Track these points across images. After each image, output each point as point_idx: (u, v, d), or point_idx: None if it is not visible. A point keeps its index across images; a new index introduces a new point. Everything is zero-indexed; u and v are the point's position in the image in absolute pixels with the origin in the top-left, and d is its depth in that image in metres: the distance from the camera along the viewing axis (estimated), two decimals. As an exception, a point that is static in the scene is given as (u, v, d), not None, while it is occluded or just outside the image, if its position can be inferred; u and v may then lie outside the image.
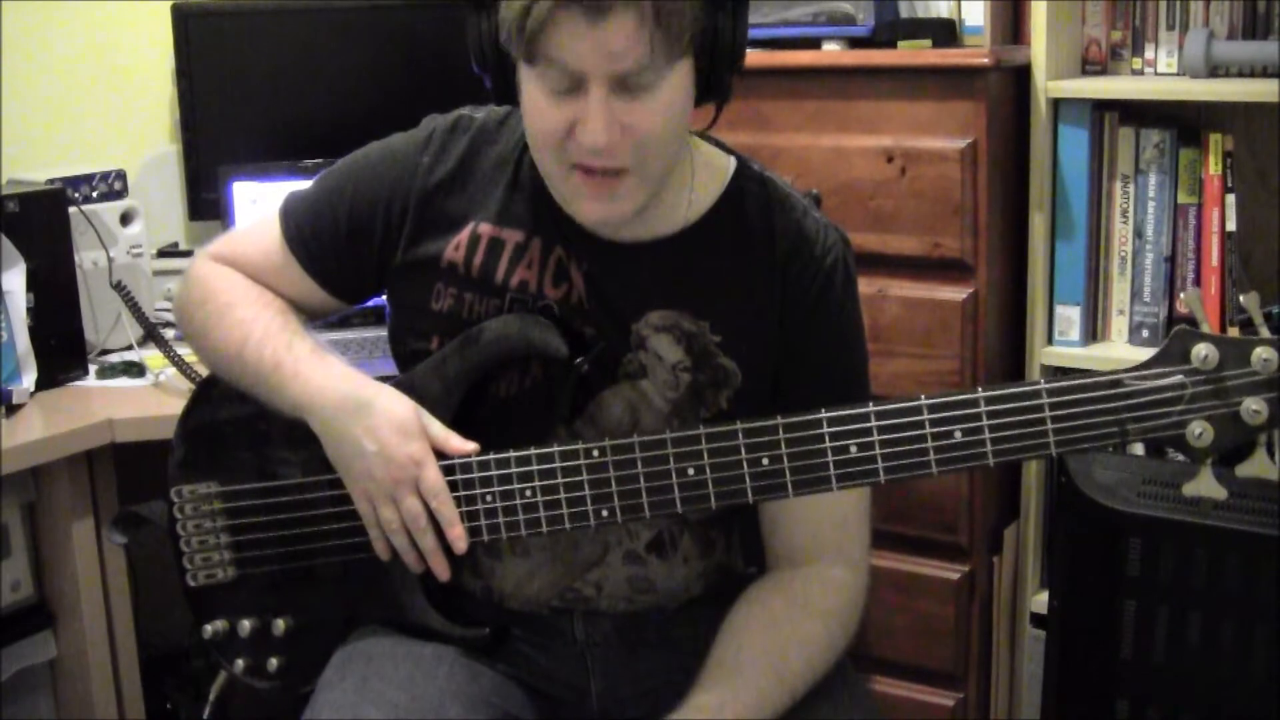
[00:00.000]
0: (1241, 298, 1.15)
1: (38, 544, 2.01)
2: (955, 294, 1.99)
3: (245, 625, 1.45)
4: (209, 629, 1.47)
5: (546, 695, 1.42)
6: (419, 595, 1.40)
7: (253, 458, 1.44)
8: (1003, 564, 2.10)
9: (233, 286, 1.46)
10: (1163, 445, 1.17)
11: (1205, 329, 1.16)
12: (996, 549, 2.11)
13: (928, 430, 1.20)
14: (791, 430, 1.23)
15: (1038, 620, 2.06)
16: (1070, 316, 2.03)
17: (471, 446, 1.32)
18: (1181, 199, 1.98)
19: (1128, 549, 1.83)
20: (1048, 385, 1.18)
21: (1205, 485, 1.18)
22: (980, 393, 1.19)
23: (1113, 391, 1.16)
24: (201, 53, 2.40)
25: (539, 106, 1.23)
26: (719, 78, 1.27)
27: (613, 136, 1.20)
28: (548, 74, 1.20)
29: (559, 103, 1.21)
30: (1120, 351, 2.01)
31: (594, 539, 1.38)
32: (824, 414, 1.23)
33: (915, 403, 1.21)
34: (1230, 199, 1.94)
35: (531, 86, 1.23)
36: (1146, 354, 1.14)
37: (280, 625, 1.45)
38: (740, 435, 1.25)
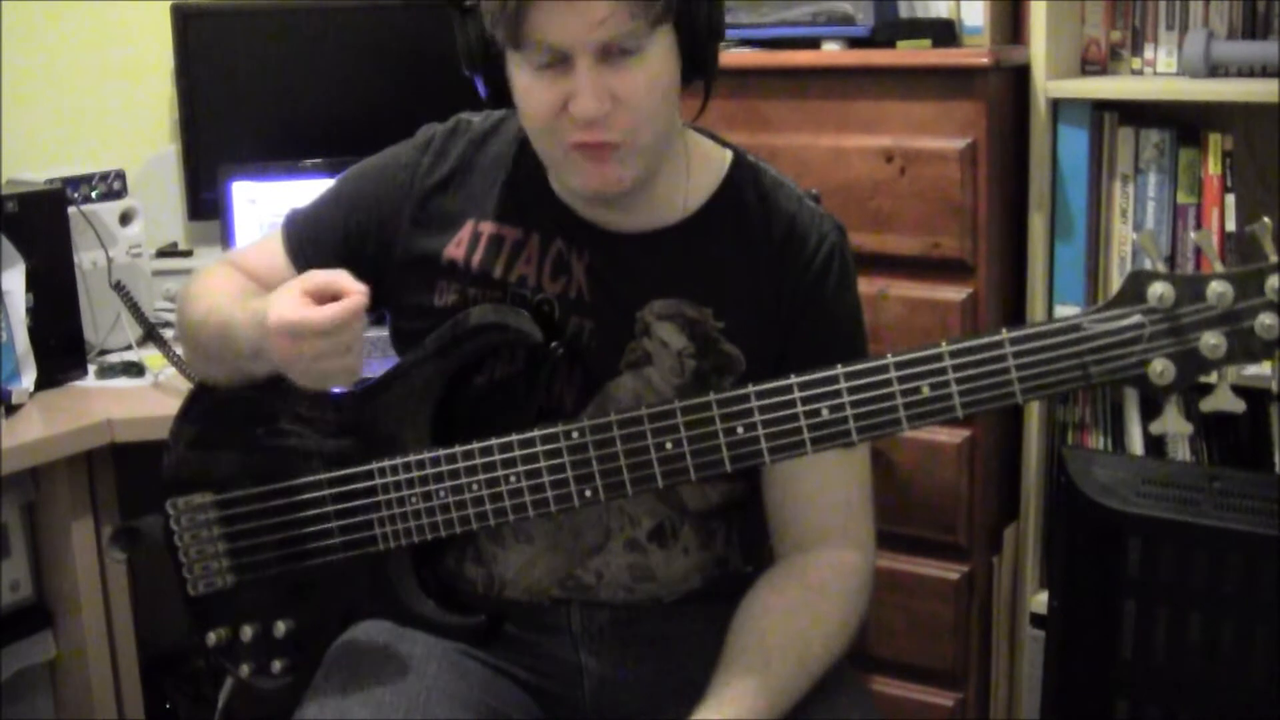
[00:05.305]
0: (1252, 226, 1.16)
1: (37, 544, 2.02)
2: (955, 294, 1.99)
3: (247, 630, 1.47)
4: (212, 637, 1.48)
5: (541, 692, 1.43)
6: (414, 585, 1.41)
7: (244, 463, 1.45)
8: (1002, 564, 2.10)
9: (220, 274, 1.49)
10: (1127, 385, 1.19)
11: (1217, 269, 1.16)
12: (996, 549, 2.11)
13: (896, 388, 1.22)
14: (764, 398, 1.25)
15: (1037, 620, 2.06)
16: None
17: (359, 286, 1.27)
18: (1181, 199, 1.98)
19: (1127, 549, 1.83)
20: (1010, 334, 1.19)
21: (1172, 422, 1.19)
22: (945, 346, 1.21)
23: (1073, 335, 1.18)
24: (201, 53, 2.40)
25: (530, 90, 1.26)
26: (700, 49, 1.30)
27: (603, 105, 1.23)
28: (535, 55, 1.23)
29: (549, 82, 1.24)
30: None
31: (596, 526, 1.39)
32: (794, 379, 1.25)
33: (882, 361, 1.22)
34: (1230, 199, 1.94)
35: (521, 73, 1.27)
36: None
37: (281, 627, 1.46)
38: (714, 406, 1.27)
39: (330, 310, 1.24)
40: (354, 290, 1.25)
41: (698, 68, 1.31)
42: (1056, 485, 1.93)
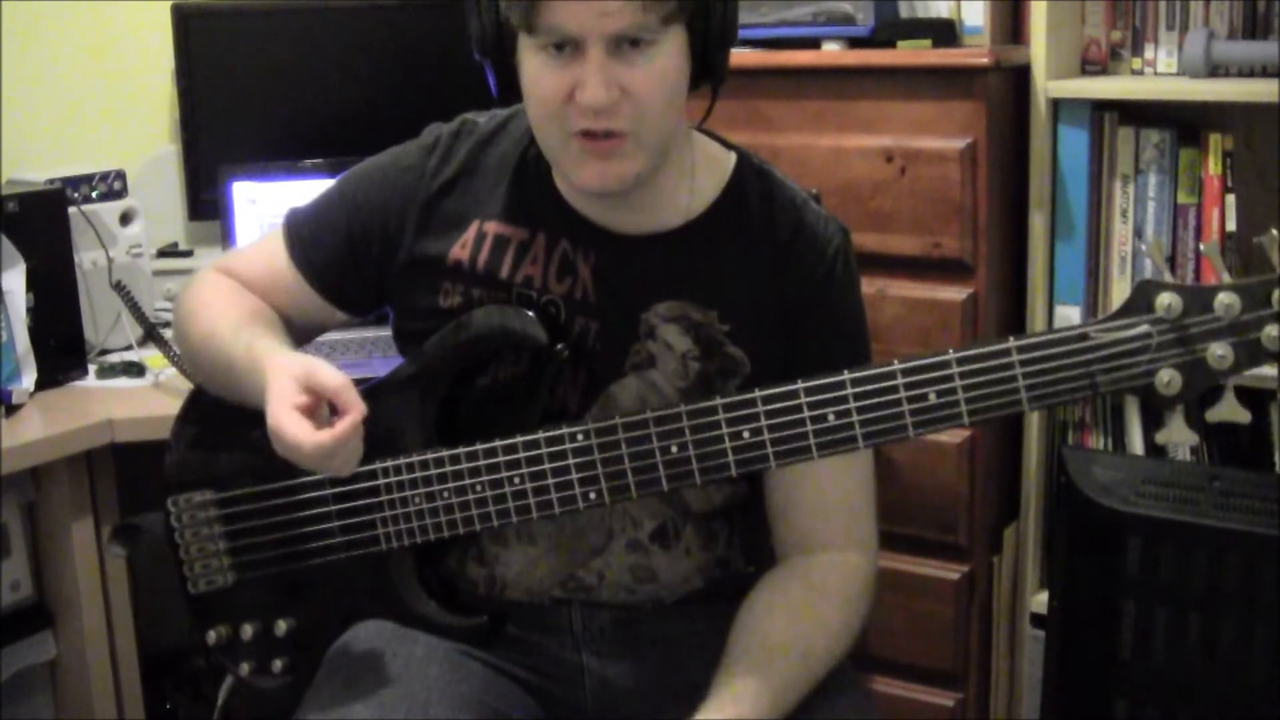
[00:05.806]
0: (1260, 238, 1.16)
1: (37, 544, 2.02)
2: (955, 294, 1.99)
3: (248, 629, 1.47)
4: (212, 635, 1.48)
5: (542, 692, 1.43)
6: (416, 586, 1.41)
7: (245, 462, 1.45)
8: (1002, 564, 2.10)
9: (217, 288, 1.48)
10: (1133, 395, 1.19)
11: (1224, 280, 1.16)
12: (996, 549, 2.11)
13: (903, 394, 1.22)
14: (770, 402, 1.26)
15: (1037, 620, 2.06)
16: (1070, 316, 2.03)
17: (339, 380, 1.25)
18: (1181, 199, 1.98)
19: (1127, 549, 1.83)
20: (1017, 343, 1.19)
21: (1176, 432, 1.20)
22: (952, 354, 1.21)
23: (1081, 345, 1.18)
24: (201, 52, 2.40)
25: (539, 75, 1.26)
26: (711, 53, 1.30)
27: (611, 95, 1.23)
28: (547, 41, 1.24)
29: (559, 69, 1.24)
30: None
31: (598, 527, 1.39)
32: (800, 384, 1.25)
33: (889, 368, 1.22)
34: (1230, 199, 1.94)
35: (531, 57, 1.27)
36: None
37: (282, 626, 1.46)
38: (720, 410, 1.27)
39: (324, 437, 1.22)
40: (353, 408, 1.24)
41: (707, 71, 1.31)
42: (1056, 485, 1.93)
